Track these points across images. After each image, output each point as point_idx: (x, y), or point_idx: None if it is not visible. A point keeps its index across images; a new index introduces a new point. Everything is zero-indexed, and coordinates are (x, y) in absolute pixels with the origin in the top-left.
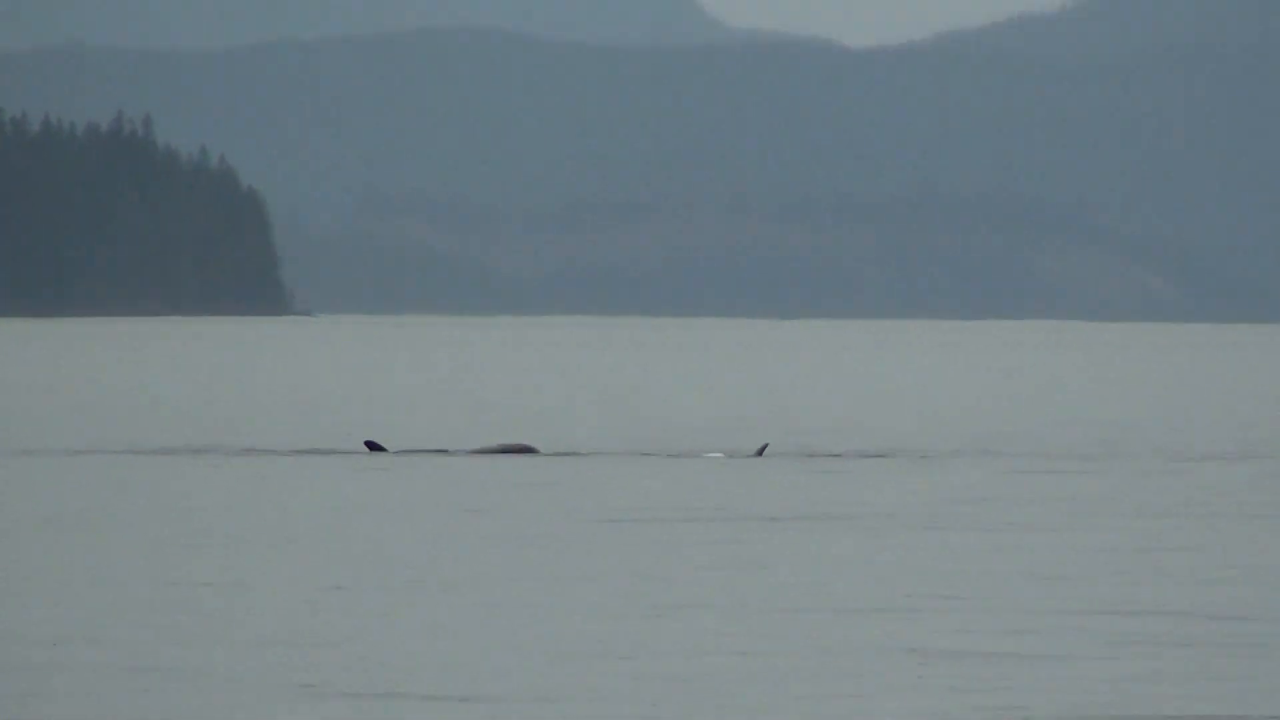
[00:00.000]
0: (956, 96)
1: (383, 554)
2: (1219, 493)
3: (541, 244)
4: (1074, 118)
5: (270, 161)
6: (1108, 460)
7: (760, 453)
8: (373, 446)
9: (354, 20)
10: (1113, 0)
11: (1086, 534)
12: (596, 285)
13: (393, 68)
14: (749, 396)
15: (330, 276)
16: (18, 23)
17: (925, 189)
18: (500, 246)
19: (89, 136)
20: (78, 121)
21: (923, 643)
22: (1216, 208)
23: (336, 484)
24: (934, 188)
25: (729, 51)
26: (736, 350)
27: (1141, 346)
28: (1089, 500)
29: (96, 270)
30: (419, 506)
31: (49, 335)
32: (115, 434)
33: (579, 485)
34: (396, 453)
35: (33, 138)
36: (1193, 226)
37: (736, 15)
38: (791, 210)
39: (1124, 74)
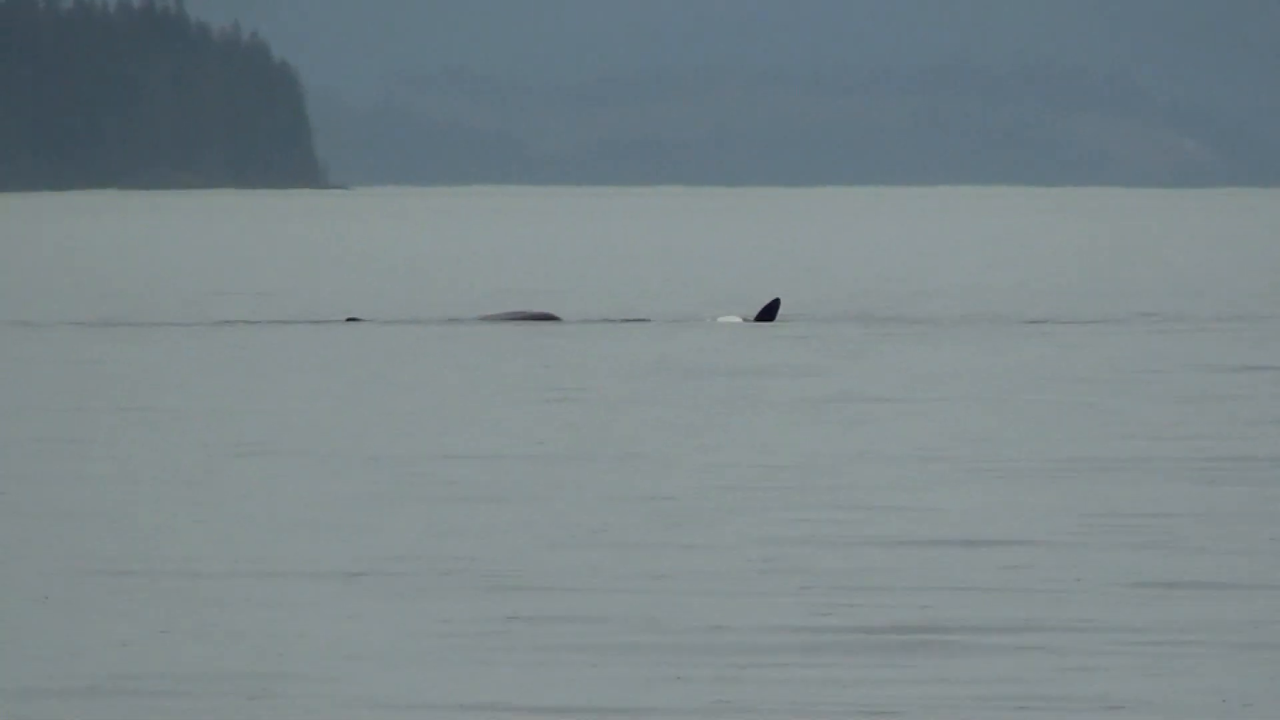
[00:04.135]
0: None
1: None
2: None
3: (575, 117)
4: None
5: (303, 36)
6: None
7: (766, 313)
8: (353, 320)
9: None
10: None
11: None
12: (630, 157)
13: None
14: (772, 263)
15: (364, 150)
16: None
17: (962, 57)
18: (533, 119)
19: (120, 12)
20: None
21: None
22: (1253, 73)
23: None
24: (971, 56)
25: None
26: (764, 218)
27: (1171, 212)
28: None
29: (128, 145)
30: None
31: (81, 208)
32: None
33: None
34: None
35: (65, 14)
36: (1229, 91)
37: None
38: (827, 80)
39: None
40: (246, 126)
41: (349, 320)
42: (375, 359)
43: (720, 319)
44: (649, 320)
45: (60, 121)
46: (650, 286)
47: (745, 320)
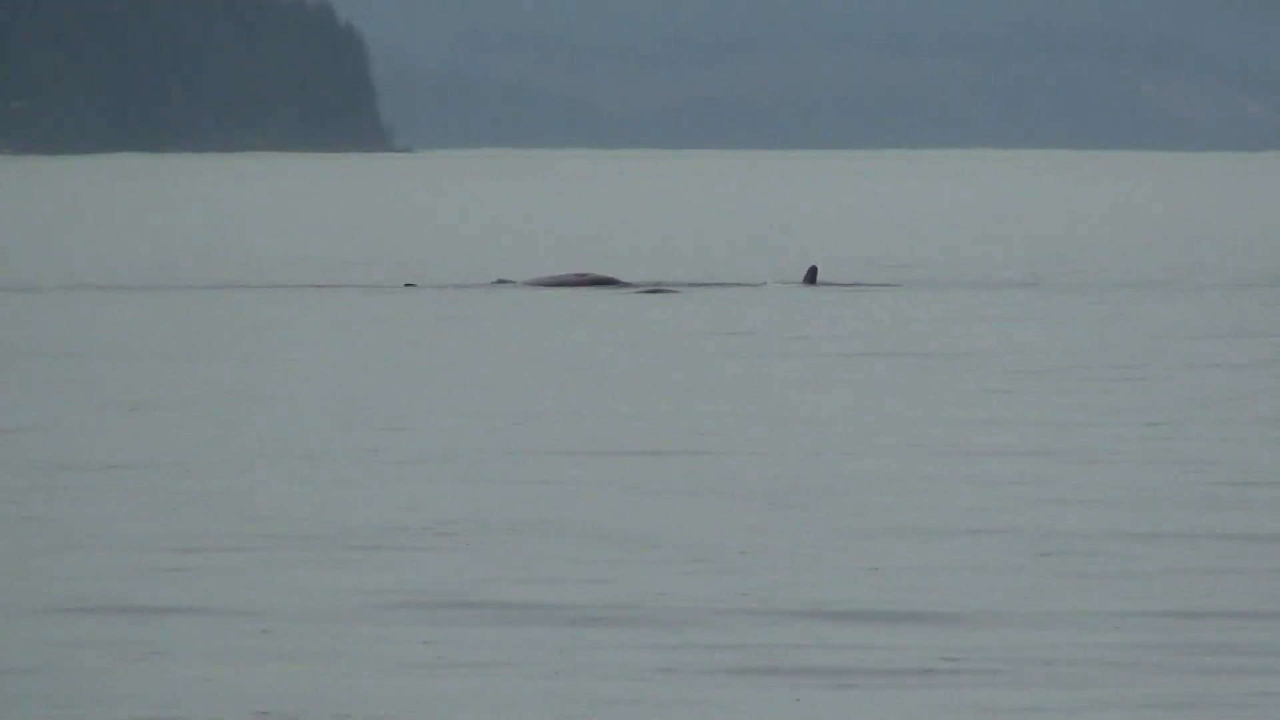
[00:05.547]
0: None
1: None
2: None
3: (644, 79)
4: None
5: None
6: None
7: (810, 278)
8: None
9: None
10: None
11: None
12: (699, 120)
13: None
14: (825, 226)
15: (431, 113)
16: None
17: (1028, 20)
18: (602, 82)
19: None
20: None
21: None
22: None
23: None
24: (1037, 19)
25: None
26: (832, 181)
27: (1243, 176)
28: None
29: (194, 108)
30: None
31: (146, 171)
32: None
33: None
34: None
35: None
36: None
37: None
38: (894, 43)
39: None
40: (312, 90)
41: (406, 286)
42: (428, 324)
43: (779, 283)
44: (710, 284)
45: (126, 84)
46: (715, 250)
47: (790, 283)
